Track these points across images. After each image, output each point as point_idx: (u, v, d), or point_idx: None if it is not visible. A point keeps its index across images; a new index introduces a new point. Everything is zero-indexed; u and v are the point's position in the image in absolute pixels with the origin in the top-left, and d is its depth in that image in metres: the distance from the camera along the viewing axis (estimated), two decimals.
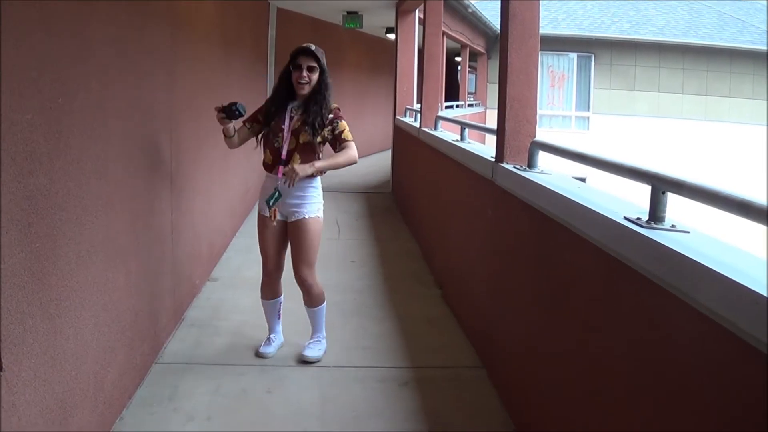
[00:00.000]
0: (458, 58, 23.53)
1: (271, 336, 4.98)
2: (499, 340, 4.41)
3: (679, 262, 2.16)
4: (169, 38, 4.90)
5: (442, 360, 4.89)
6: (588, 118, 22.76)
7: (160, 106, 4.71)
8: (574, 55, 22.68)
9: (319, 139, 4.55)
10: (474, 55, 23.04)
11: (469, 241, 5.36)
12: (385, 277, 6.92)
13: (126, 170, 3.91)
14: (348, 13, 13.16)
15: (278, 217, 4.65)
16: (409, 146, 10.07)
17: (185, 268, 5.51)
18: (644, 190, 2.63)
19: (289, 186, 4.49)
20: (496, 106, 4.51)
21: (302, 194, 4.59)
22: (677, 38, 22.39)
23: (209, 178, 6.55)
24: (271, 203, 4.61)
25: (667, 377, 2.24)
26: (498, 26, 4.91)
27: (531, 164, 4.06)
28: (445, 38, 14.62)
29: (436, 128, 8.15)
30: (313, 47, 4.55)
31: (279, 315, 4.99)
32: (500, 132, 4.42)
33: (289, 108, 4.63)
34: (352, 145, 4.59)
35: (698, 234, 2.41)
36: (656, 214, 2.54)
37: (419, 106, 9.57)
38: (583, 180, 3.74)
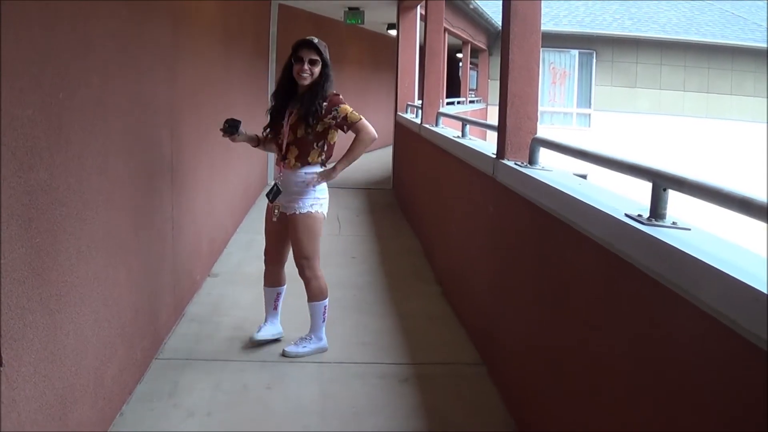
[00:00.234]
0: (460, 55, 23.52)
1: (262, 324, 5.00)
2: (499, 338, 4.41)
3: (680, 259, 2.15)
4: (170, 34, 4.89)
5: (442, 357, 4.89)
6: (589, 115, 22.75)
7: (161, 102, 4.70)
8: (575, 52, 22.68)
9: (320, 128, 4.57)
10: (475, 52, 23.04)
11: (470, 237, 5.36)
12: (385, 273, 6.92)
13: (127, 166, 3.91)
14: (350, 9, 13.16)
15: (282, 209, 4.70)
16: (410, 142, 10.07)
17: (186, 264, 5.51)
18: (645, 188, 2.62)
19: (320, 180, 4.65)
20: (498, 102, 4.50)
21: (298, 190, 4.64)
22: (679, 35, 22.38)
23: (210, 173, 6.55)
24: (270, 197, 4.69)
25: (668, 374, 2.24)
26: (499, 23, 4.90)
27: (532, 161, 4.06)
28: (446, 34, 14.59)
29: (437, 125, 8.15)
30: (315, 40, 4.56)
31: (275, 305, 5.01)
32: (501, 128, 4.42)
33: (291, 103, 4.66)
34: (362, 125, 4.59)
35: (699, 231, 2.41)
36: (657, 211, 2.54)
37: (420, 102, 9.56)
38: (584, 177, 3.73)
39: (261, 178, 10.89)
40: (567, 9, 23.29)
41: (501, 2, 4.46)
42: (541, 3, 4.33)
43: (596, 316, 2.88)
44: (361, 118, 4.58)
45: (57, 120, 2.90)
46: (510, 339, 4.20)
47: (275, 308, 5.01)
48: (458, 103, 18.63)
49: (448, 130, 7.58)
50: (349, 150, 4.65)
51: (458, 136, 6.41)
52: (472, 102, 21.26)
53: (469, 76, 22.37)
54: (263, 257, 5.01)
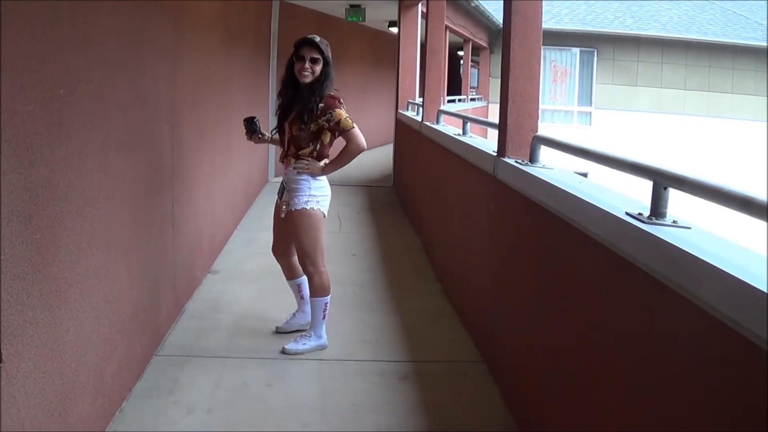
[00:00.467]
0: (461, 53, 23.50)
1: (293, 312, 5.12)
2: (499, 335, 4.41)
3: (680, 258, 2.15)
4: (172, 30, 4.89)
5: (442, 354, 4.89)
6: (590, 113, 22.75)
7: (162, 98, 4.70)
8: (576, 50, 22.67)
9: (313, 128, 4.62)
10: (477, 50, 23.01)
11: (470, 235, 5.36)
12: (385, 270, 6.92)
13: (127, 162, 3.91)
14: (351, 6, 13.16)
15: (286, 205, 4.77)
16: (410, 140, 10.06)
17: (186, 261, 5.51)
18: (646, 186, 2.62)
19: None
20: (498, 100, 4.50)
21: (294, 186, 4.70)
22: (680, 34, 22.38)
23: (211, 170, 6.55)
24: (279, 194, 4.86)
25: (668, 373, 2.24)
26: (501, 21, 4.90)
27: (533, 159, 4.05)
28: (447, 32, 14.58)
29: (438, 122, 8.15)
30: (317, 39, 4.60)
31: (301, 295, 5.07)
32: (502, 126, 4.41)
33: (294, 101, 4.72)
34: (354, 134, 4.64)
35: (699, 230, 2.41)
36: (658, 209, 2.53)
37: (421, 100, 9.56)
38: (584, 175, 3.73)
39: (262, 176, 10.89)
40: (568, 7, 23.27)
41: (502, 0, 4.46)
42: (542, 1, 4.32)
43: (596, 314, 2.88)
44: (353, 127, 4.63)
45: (57, 116, 2.90)
46: (510, 337, 4.20)
47: (302, 297, 5.08)
48: (459, 100, 18.62)
49: (448, 127, 7.58)
50: (338, 157, 4.75)
51: (459, 134, 6.41)
52: (473, 100, 21.24)
53: (470, 74, 22.35)
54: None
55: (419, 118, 9.09)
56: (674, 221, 2.48)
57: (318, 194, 4.70)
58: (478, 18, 19.17)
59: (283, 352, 4.76)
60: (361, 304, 5.86)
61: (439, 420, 3.99)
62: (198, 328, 5.14)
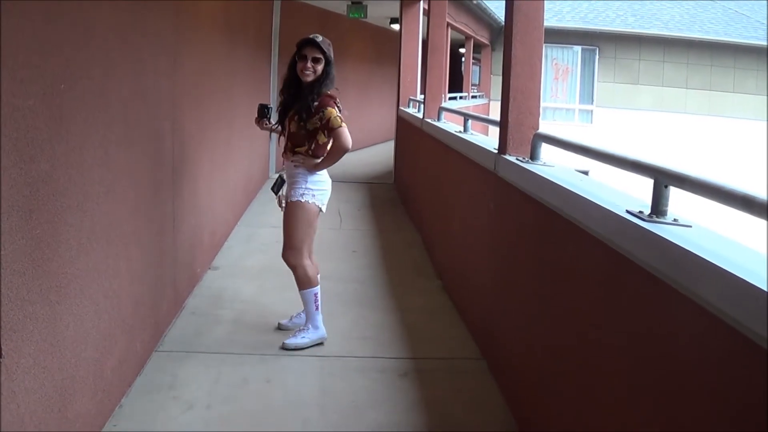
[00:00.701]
0: (462, 50, 23.49)
1: (300, 312, 5.11)
2: (500, 332, 4.41)
3: (681, 256, 2.15)
4: (173, 26, 4.89)
5: (442, 351, 4.89)
6: (591, 111, 22.75)
7: (163, 94, 4.70)
8: (578, 48, 22.66)
9: (310, 126, 4.69)
10: (478, 47, 23.00)
11: (471, 232, 5.36)
12: (386, 267, 6.92)
13: (128, 157, 3.91)
14: (352, 3, 13.16)
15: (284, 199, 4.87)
16: (412, 137, 10.06)
17: (186, 257, 5.51)
18: (647, 184, 2.62)
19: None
20: (500, 97, 4.50)
21: (292, 179, 4.80)
22: (682, 33, 22.37)
23: (211, 166, 6.54)
24: (274, 189, 4.94)
25: (668, 371, 2.24)
26: (502, 18, 4.90)
27: (534, 156, 4.05)
28: (449, 29, 14.58)
29: (439, 119, 8.15)
30: (319, 38, 4.66)
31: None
32: (503, 124, 4.41)
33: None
34: (340, 132, 4.66)
35: (700, 228, 2.41)
36: (658, 207, 2.53)
37: (422, 97, 9.56)
38: (586, 173, 3.73)
39: (262, 172, 10.88)
40: (570, 5, 23.26)
41: None
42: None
43: (597, 312, 2.88)
44: (341, 126, 4.65)
45: (58, 111, 2.90)
46: (510, 334, 4.20)
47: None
48: (460, 98, 18.62)
49: (449, 125, 7.58)
50: (327, 156, 4.77)
51: (460, 131, 6.41)
52: (474, 97, 21.22)
53: (471, 72, 22.34)
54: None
55: (420, 115, 9.09)
56: (675, 219, 2.48)
57: (314, 188, 4.75)
58: (480, 15, 19.17)
59: (283, 347, 4.77)
60: (362, 300, 5.86)
61: (438, 417, 3.99)
62: (198, 323, 5.14)
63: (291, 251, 4.79)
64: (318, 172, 4.77)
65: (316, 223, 4.87)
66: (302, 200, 4.73)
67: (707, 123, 21.52)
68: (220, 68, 6.98)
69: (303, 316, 5.03)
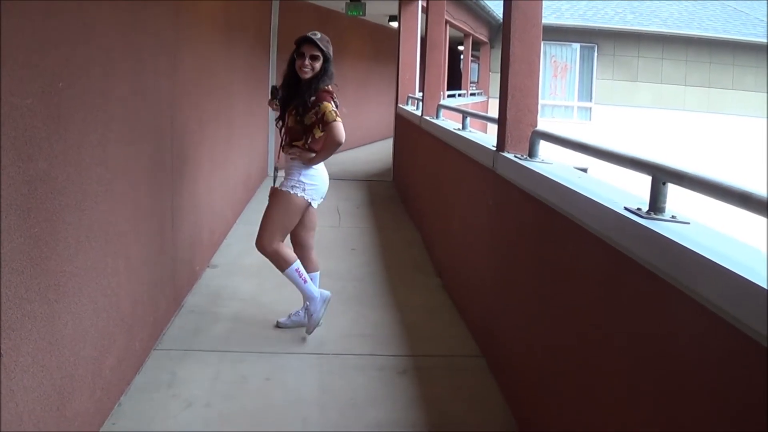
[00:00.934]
0: (461, 47, 23.49)
1: (298, 310, 5.14)
2: (499, 330, 4.41)
3: (679, 253, 2.15)
4: (172, 24, 4.89)
5: (441, 349, 4.89)
6: (590, 108, 22.74)
7: (162, 92, 4.70)
8: (577, 46, 22.65)
9: (307, 121, 4.73)
10: (477, 45, 23.00)
11: (470, 230, 5.36)
12: (385, 265, 6.92)
13: (127, 156, 3.91)
14: (351, 0, 13.14)
15: None
16: (410, 135, 10.06)
17: (185, 255, 5.51)
18: (646, 182, 2.62)
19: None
20: (498, 95, 4.51)
21: (287, 172, 4.85)
22: (680, 30, 22.36)
23: (210, 164, 6.54)
24: (274, 183, 4.96)
25: (667, 368, 2.24)
26: (501, 16, 4.91)
27: (532, 154, 4.05)
28: (447, 27, 14.58)
29: (437, 117, 8.14)
30: (317, 36, 4.72)
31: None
32: (501, 121, 4.41)
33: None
34: (333, 126, 4.67)
35: (698, 225, 2.41)
36: (656, 204, 2.53)
37: (421, 94, 9.55)
38: (584, 170, 3.73)
39: (261, 170, 10.88)
40: (569, 2, 23.25)
41: None
42: None
43: (595, 309, 2.88)
44: (335, 120, 4.66)
45: (56, 110, 2.90)
46: (509, 332, 4.20)
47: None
48: (459, 95, 18.62)
49: (448, 122, 7.59)
50: (320, 149, 4.79)
51: (459, 129, 6.41)
52: (473, 95, 21.23)
53: (470, 69, 22.34)
54: None
55: (419, 113, 9.09)
56: (673, 216, 2.48)
57: (306, 182, 4.80)
58: (479, 13, 19.16)
59: (308, 332, 4.93)
60: (361, 298, 5.86)
61: (437, 414, 3.99)
62: (197, 322, 5.14)
63: (264, 238, 4.84)
64: (313, 167, 4.81)
65: (296, 217, 4.90)
66: (291, 192, 4.78)
67: (706, 120, 21.51)
68: (219, 66, 6.98)
69: (301, 313, 5.04)
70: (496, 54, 21.46)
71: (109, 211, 3.60)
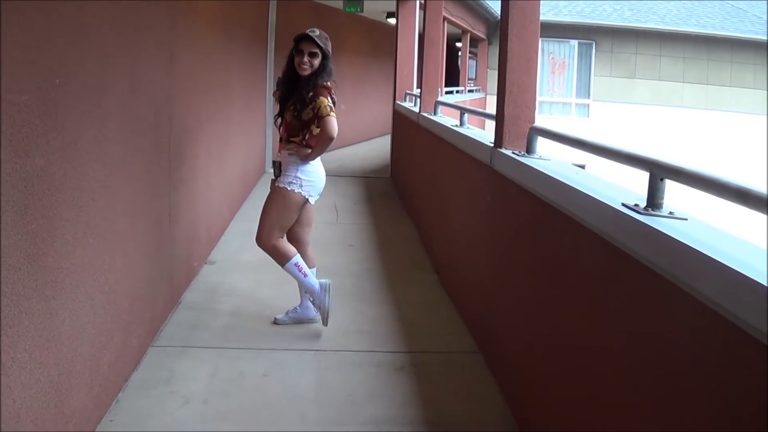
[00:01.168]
0: (459, 44, 23.48)
1: (296, 307, 5.19)
2: (496, 326, 4.41)
3: (677, 249, 2.15)
4: (169, 19, 4.88)
5: (439, 345, 4.90)
6: (588, 105, 22.73)
7: (159, 87, 4.69)
8: (575, 42, 22.64)
9: (305, 117, 4.75)
10: (475, 41, 22.99)
11: (468, 226, 5.36)
12: (383, 261, 6.92)
13: (124, 152, 3.90)
14: None
15: None
16: (408, 131, 10.05)
17: (183, 251, 5.51)
18: (645, 178, 2.62)
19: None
20: (496, 91, 4.51)
21: (285, 167, 4.85)
22: (678, 27, 22.34)
23: (208, 160, 6.54)
24: (275, 171, 4.95)
25: (665, 365, 2.24)
26: (499, 12, 4.91)
27: (530, 150, 4.05)
28: (445, 23, 14.56)
29: (435, 113, 8.14)
30: (316, 33, 4.75)
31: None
32: (499, 117, 4.41)
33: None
34: (326, 120, 4.69)
35: (696, 221, 2.41)
36: (654, 200, 2.53)
37: (419, 91, 9.55)
38: (582, 167, 3.73)
39: (259, 166, 10.87)
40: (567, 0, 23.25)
41: None
42: None
43: (593, 305, 2.88)
44: (329, 114, 4.68)
45: (53, 106, 2.89)
46: (507, 328, 4.21)
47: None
48: (457, 92, 18.61)
49: (446, 118, 7.58)
50: (315, 145, 4.81)
51: (456, 125, 6.41)
52: (470, 91, 21.23)
53: (468, 66, 22.33)
54: None
55: (417, 109, 9.08)
56: (671, 212, 2.48)
57: (304, 178, 4.82)
58: (477, 9, 19.15)
59: (325, 324, 4.95)
60: (359, 294, 5.86)
61: (435, 411, 3.99)
62: (194, 318, 5.14)
63: (263, 234, 4.86)
64: (310, 163, 4.82)
65: (295, 213, 4.91)
66: (288, 188, 4.80)
67: (704, 117, 21.51)
68: (216, 62, 6.97)
69: (299, 310, 5.06)
70: (494, 51, 21.46)
71: (106, 207, 3.60)
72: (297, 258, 4.88)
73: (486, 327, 4.63)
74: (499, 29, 4.56)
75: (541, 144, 4.04)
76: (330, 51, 4.80)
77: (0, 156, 2.43)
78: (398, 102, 11.70)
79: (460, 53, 23.34)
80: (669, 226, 2.32)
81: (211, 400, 3.98)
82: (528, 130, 4.13)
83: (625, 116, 21.57)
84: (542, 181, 3.50)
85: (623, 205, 2.63)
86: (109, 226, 3.66)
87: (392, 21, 14.17)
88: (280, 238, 4.88)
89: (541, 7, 4.34)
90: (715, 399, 1.98)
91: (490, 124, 4.82)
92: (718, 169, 2.26)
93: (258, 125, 10.51)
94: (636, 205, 2.59)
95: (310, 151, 4.78)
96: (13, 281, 2.57)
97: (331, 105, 4.70)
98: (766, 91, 20.68)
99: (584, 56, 22.74)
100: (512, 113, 4.33)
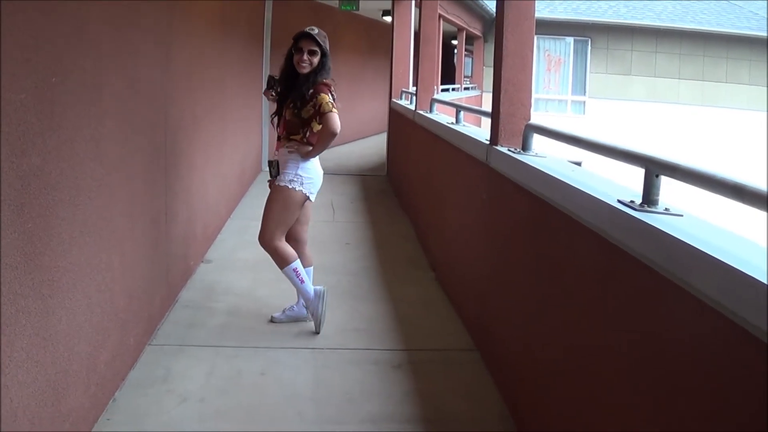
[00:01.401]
0: (455, 42, 23.48)
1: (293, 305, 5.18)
2: (493, 324, 4.42)
3: (672, 245, 2.15)
4: (166, 17, 4.88)
5: (435, 342, 4.90)
6: (584, 102, 22.73)
7: (156, 86, 4.69)
8: (570, 39, 22.63)
9: (304, 114, 4.76)
10: (470, 39, 22.97)
11: (464, 223, 5.36)
12: (379, 259, 6.92)
13: (120, 150, 3.90)
14: None
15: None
16: (404, 129, 10.06)
17: (179, 250, 5.51)
18: (640, 174, 2.62)
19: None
20: (492, 89, 4.51)
21: (284, 165, 4.84)
22: (674, 23, 22.35)
23: (204, 159, 6.54)
24: (271, 170, 4.94)
25: (662, 361, 2.24)
26: (494, 10, 4.91)
27: (525, 147, 4.06)
28: (441, 21, 14.56)
29: (431, 111, 8.13)
30: (315, 31, 4.77)
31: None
32: (495, 115, 4.42)
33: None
34: (329, 117, 4.69)
35: (691, 217, 2.41)
36: (650, 197, 2.54)
37: (415, 88, 9.55)
38: (578, 164, 3.73)
39: (256, 164, 10.87)
40: None
41: None
42: None
43: (589, 301, 2.88)
44: (331, 111, 4.68)
45: (50, 104, 2.89)
46: (504, 325, 4.21)
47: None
48: (453, 89, 18.61)
49: (442, 116, 7.57)
50: (317, 141, 4.81)
51: (452, 123, 6.41)
52: (466, 89, 21.22)
53: (463, 63, 22.32)
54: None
55: (413, 107, 9.08)
56: (666, 209, 2.49)
57: (304, 175, 4.82)
58: (472, 7, 19.14)
59: (317, 332, 4.94)
60: (355, 293, 5.86)
61: (432, 408, 4.00)
62: (191, 317, 5.14)
63: (266, 233, 4.85)
64: (310, 160, 4.82)
65: (297, 211, 4.91)
66: (290, 186, 4.79)
67: (700, 113, 21.53)
68: (213, 61, 6.97)
69: (295, 308, 5.06)
70: (490, 48, 21.43)
71: (102, 206, 3.59)
72: (296, 263, 4.88)
73: (483, 324, 4.64)
74: (495, 27, 4.56)
75: (537, 141, 4.05)
76: (328, 49, 4.81)
77: None
78: (394, 100, 11.70)
79: (455, 51, 23.34)
80: (665, 222, 2.33)
81: (208, 399, 3.98)
82: (524, 128, 4.14)
83: (621, 113, 21.57)
84: (538, 179, 3.50)
85: (619, 201, 2.63)
86: (106, 225, 3.66)
87: (388, 19, 14.16)
88: (283, 240, 4.88)
89: (536, 5, 4.35)
90: (713, 396, 1.97)
91: (486, 122, 4.82)
92: (714, 166, 2.27)
93: (254, 124, 10.50)
94: (632, 201, 2.59)
95: (311, 148, 4.79)
96: (10, 280, 2.57)
97: (333, 102, 4.71)
98: (765, 88, 20.67)
99: (580, 53, 22.74)
100: (508, 110, 4.33)
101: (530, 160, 3.80)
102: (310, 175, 4.83)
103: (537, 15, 4.33)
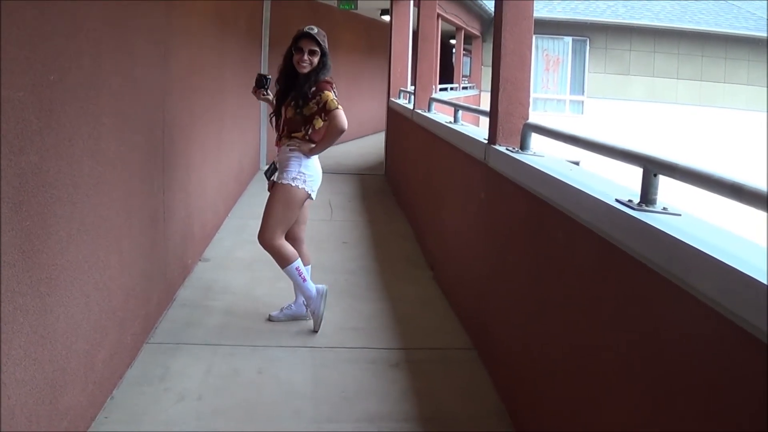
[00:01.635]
0: (453, 41, 23.48)
1: (290, 304, 5.18)
2: (491, 323, 4.42)
3: (671, 244, 2.15)
4: (164, 16, 4.87)
5: (433, 341, 4.90)
6: (582, 102, 22.75)
7: (154, 84, 4.69)
8: (569, 39, 22.65)
9: (306, 112, 4.75)
10: (469, 38, 22.98)
11: (462, 223, 5.37)
12: (377, 258, 6.92)
13: (118, 149, 3.89)
14: None
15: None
16: (402, 128, 10.06)
17: (177, 248, 5.51)
18: (638, 174, 2.62)
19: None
20: (490, 88, 4.51)
21: (285, 164, 4.83)
22: (672, 23, 22.36)
23: (202, 157, 6.53)
24: (266, 173, 4.98)
25: (659, 360, 2.25)
26: (493, 9, 4.91)
27: (523, 146, 4.06)
28: (440, 20, 14.57)
29: (429, 110, 8.14)
30: (315, 31, 4.75)
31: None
32: (493, 114, 4.42)
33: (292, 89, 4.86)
34: (336, 114, 4.70)
35: (690, 217, 2.41)
36: (648, 196, 2.54)
37: (413, 88, 9.55)
38: (576, 163, 3.73)
39: (253, 163, 10.86)
40: None
41: None
42: None
43: (587, 301, 2.89)
44: (337, 108, 4.69)
45: (48, 103, 2.89)
46: (502, 324, 4.21)
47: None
48: (451, 89, 18.61)
49: (440, 115, 7.58)
50: (323, 138, 4.81)
51: (450, 122, 6.41)
52: (465, 88, 21.22)
53: (462, 63, 22.33)
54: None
55: (411, 106, 9.08)
56: (664, 208, 2.49)
57: (307, 173, 4.81)
58: (471, 6, 19.15)
59: (316, 330, 4.92)
60: (353, 291, 5.86)
61: (430, 407, 4.00)
62: (189, 315, 5.14)
63: (267, 232, 4.82)
64: (311, 158, 4.82)
65: (298, 209, 4.90)
66: (292, 184, 4.78)
67: (699, 113, 21.54)
68: (211, 59, 6.97)
69: (293, 307, 5.06)
70: (488, 47, 21.45)
71: (100, 204, 3.59)
72: (298, 262, 4.87)
73: (481, 323, 4.64)
74: (493, 26, 4.56)
75: (536, 141, 4.05)
76: (327, 48, 4.81)
77: None
78: (392, 99, 11.70)
79: (454, 50, 23.33)
80: (663, 221, 2.33)
81: (206, 397, 3.98)
82: (522, 127, 4.13)
83: (620, 113, 21.59)
84: (536, 178, 3.51)
85: (617, 200, 2.63)
86: (104, 223, 3.66)
87: (386, 18, 14.16)
88: (283, 239, 4.87)
89: (534, 4, 4.35)
90: (712, 397, 1.97)
91: (485, 121, 4.82)
92: (712, 165, 2.27)
93: (252, 122, 10.48)
94: (630, 200, 2.59)
95: (313, 145, 4.79)
96: (8, 278, 2.57)
97: (337, 99, 4.71)
98: (764, 88, 20.68)
99: (578, 53, 22.75)
100: (506, 110, 4.33)
101: (528, 159, 3.80)
102: (311, 173, 4.83)
103: (535, 14, 4.33)
